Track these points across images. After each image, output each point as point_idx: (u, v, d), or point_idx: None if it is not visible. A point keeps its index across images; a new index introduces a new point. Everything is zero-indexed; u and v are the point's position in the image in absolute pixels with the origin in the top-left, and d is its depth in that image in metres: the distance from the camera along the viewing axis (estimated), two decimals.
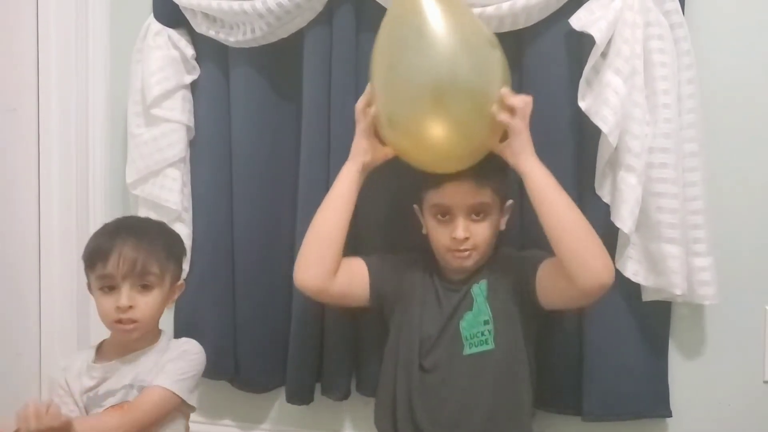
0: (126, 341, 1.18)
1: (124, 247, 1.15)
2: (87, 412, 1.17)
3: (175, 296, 1.25)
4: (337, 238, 1.22)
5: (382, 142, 1.22)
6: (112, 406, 1.16)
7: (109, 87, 1.62)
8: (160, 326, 1.25)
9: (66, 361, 1.25)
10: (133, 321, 1.15)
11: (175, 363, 1.18)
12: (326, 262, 1.22)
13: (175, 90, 1.46)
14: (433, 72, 1.08)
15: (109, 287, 1.15)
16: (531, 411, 1.26)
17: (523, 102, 1.12)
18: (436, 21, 1.09)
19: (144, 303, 1.16)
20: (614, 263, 1.25)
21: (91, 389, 1.18)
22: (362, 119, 1.20)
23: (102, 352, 1.22)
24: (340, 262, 1.24)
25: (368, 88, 1.20)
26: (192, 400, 1.20)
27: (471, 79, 1.09)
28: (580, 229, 1.12)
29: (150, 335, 1.21)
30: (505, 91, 1.12)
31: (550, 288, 1.18)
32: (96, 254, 1.16)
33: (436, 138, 1.11)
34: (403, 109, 1.12)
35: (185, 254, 1.30)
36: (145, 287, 1.16)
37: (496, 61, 1.13)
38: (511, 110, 1.12)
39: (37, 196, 1.61)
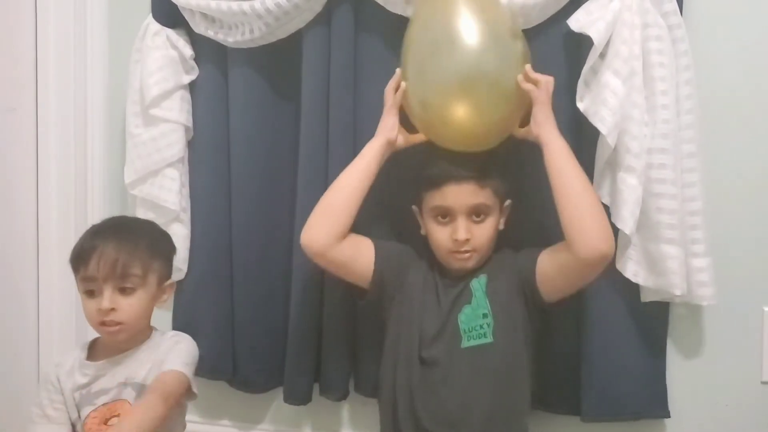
0: (114, 342, 1.17)
1: (105, 247, 1.12)
2: (78, 409, 1.16)
3: (166, 296, 1.22)
4: (349, 206, 1.24)
5: (410, 131, 1.27)
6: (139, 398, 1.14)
7: (107, 87, 1.62)
8: (158, 325, 1.25)
9: (59, 358, 1.23)
10: (118, 323, 1.13)
11: (179, 346, 1.17)
12: (334, 227, 1.23)
13: (173, 90, 1.46)
14: (461, 67, 1.17)
15: (92, 289, 1.13)
16: (528, 409, 1.26)
17: (545, 78, 1.19)
18: (465, 19, 1.18)
19: (127, 305, 1.13)
20: (614, 264, 1.25)
21: (83, 386, 1.16)
22: (390, 98, 1.26)
23: (94, 350, 1.21)
24: (348, 229, 1.25)
25: (397, 72, 1.25)
26: (194, 388, 1.18)
27: (496, 71, 1.19)
28: (587, 197, 1.16)
29: (140, 335, 1.19)
30: (528, 67, 1.20)
31: (551, 266, 1.19)
32: (78, 256, 1.14)
33: (464, 120, 1.19)
34: (434, 96, 1.21)
35: (174, 252, 1.27)
36: (128, 289, 1.14)
37: (519, 52, 1.21)
38: (535, 82, 1.19)
39: (35, 196, 1.61)
